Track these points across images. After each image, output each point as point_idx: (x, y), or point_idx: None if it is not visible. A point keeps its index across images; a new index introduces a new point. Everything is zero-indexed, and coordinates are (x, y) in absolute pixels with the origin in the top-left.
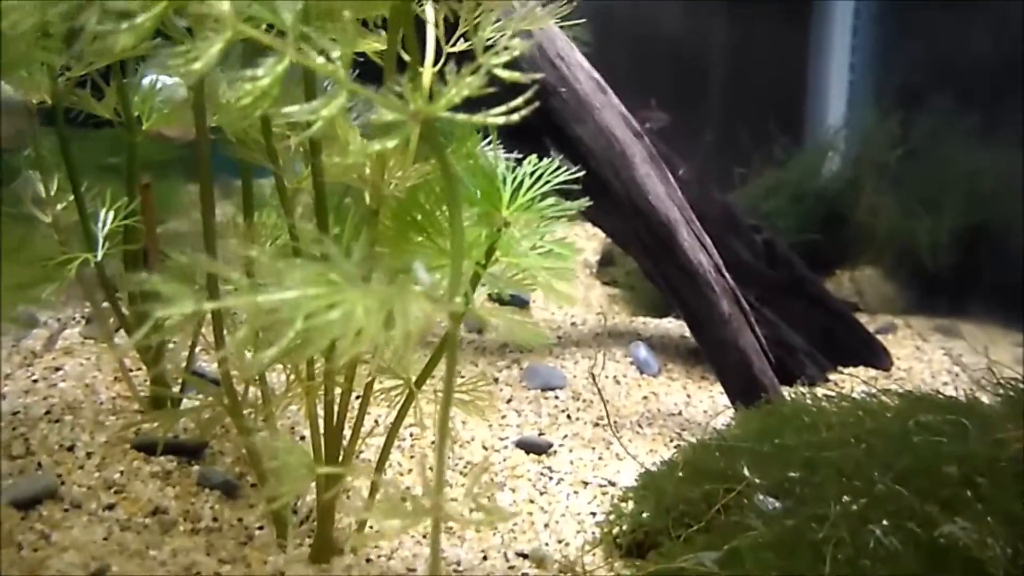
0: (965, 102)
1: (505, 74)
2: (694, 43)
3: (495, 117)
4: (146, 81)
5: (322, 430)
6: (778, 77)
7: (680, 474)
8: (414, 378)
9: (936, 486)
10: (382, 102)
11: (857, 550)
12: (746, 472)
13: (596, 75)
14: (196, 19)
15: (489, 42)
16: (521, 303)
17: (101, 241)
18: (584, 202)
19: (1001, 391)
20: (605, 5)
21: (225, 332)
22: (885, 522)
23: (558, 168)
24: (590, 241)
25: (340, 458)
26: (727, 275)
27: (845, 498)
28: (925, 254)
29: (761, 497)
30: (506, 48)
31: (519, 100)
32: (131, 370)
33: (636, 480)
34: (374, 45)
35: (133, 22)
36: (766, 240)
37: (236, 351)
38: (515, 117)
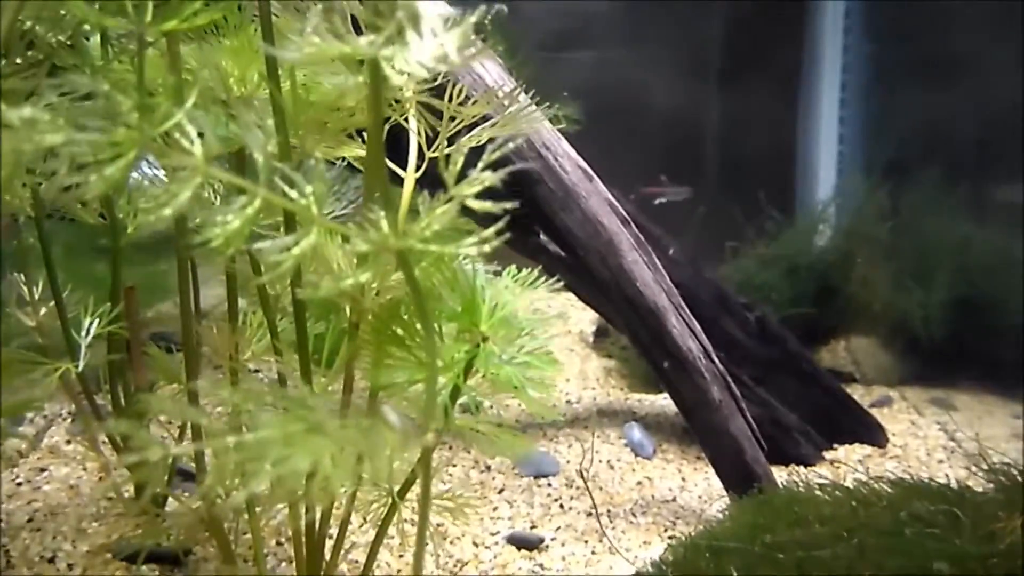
0: (952, 175)
1: (477, 205)
2: (684, 118)
3: (468, 247)
4: (133, 177)
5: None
6: (768, 151)
7: None
8: (397, 488)
9: None
10: (358, 235)
11: None
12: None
13: (582, 163)
14: (170, 170)
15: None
16: None
17: (83, 350)
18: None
19: (993, 477)
20: (594, 82)
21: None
22: None
23: (544, 272)
24: (586, 311)
25: (323, 567)
26: (717, 361)
27: None
28: (918, 327)
29: None
30: (479, 179)
31: (491, 231)
32: (115, 468)
33: None
34: (355, 151)
35: (102, 172)
36: (758, 318)
37: (211, 485)
38: (487, 248)
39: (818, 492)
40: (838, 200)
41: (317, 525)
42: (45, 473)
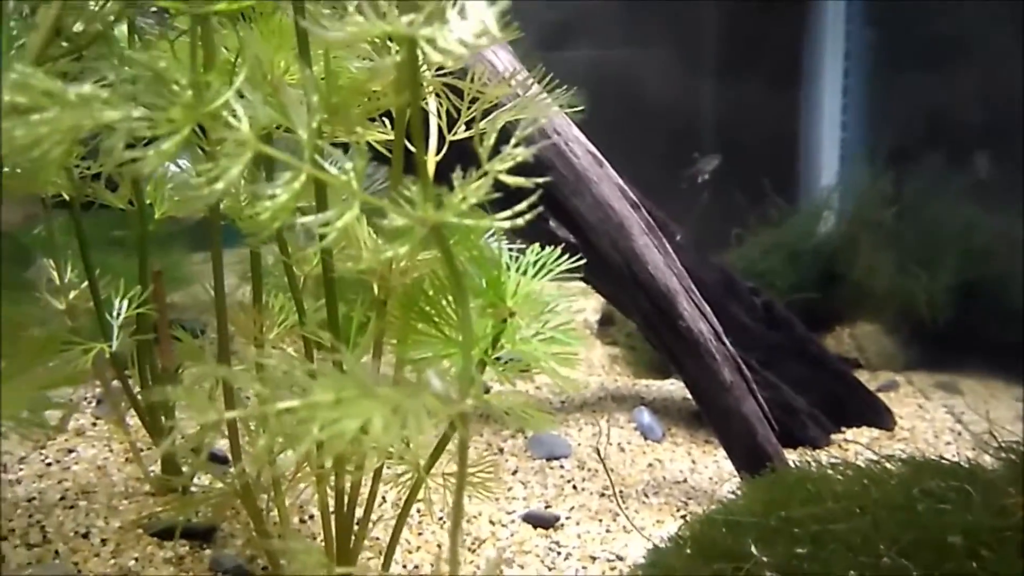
0: (955, 160)
1: (510, 180)
2: (690, 108)
3: (501, 220)
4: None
5: (332, 514)
6: (772, 139)
7: (688, 550)
8: (423, 462)
9: (942, 558)
10: (393, 210)
11: None
12: (753, 550)
13: (593, 149)
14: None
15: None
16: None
17: (116, 331)
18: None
19: (1003, 454)
20: (596, 74)
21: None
22: None
23: (560, 256)
24: (589, 300)
25: (351, 543)
26: (727, 343)
27: (852, 574)
28: (922, 311)
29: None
30: (511, 155)
31: (523, 205)
32: (142, 450)
33: (644, 557)
34: (380, 136)
35: (159, 147)
36: (765, 303)
37: (256, 459)
38: (520, 221)
39: (829, 471)
40: (841, 187)
41: (346, 500)
42: (73, 454)
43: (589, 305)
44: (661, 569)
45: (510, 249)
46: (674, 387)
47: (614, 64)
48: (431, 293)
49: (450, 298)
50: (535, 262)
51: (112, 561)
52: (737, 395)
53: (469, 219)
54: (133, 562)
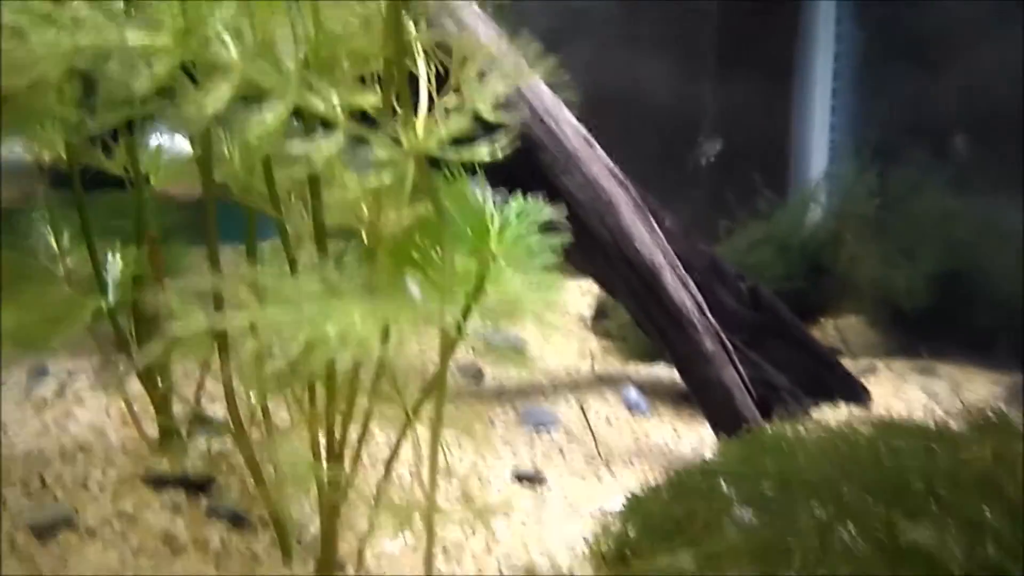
0: (939, 154)
1: (490, 114)
2: (681, 107)
3: (481, 153)
4: (153, 142)
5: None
6: (762, 139)
7: (665, 495)
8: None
9: (902, 498)
10: (379, 141)
11: (825, 553)
12: (724, 488)
13: (583, 130)
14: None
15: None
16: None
17: (111, 288)
18: (566, 240)
19: (970, 419)
20: (590, 72)
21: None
22: (852, 530)
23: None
24: (584, 297)
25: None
26: (709, 315)
27: (816, 510)
28: (903, 299)
29: (738, 512)
30: (492, 91)
31: (503, 140)
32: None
33: (624, 504)
34: (369, 99)
35: (151, 69)
36: (751, 287)
37: (243, 369)
38: (499, 154)
39: (802, 431)
40: (828, 182)
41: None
42: (71, 418)
43: (584, 302)
44: (638, 512)
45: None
46: (662, 370)
47: (607, 63)
48: (419, 240)
49: (438, 246)
50: (519, 211)
51: (110, 506)
52: (718, 364)
53: (451, 153)
54: (131, 507)
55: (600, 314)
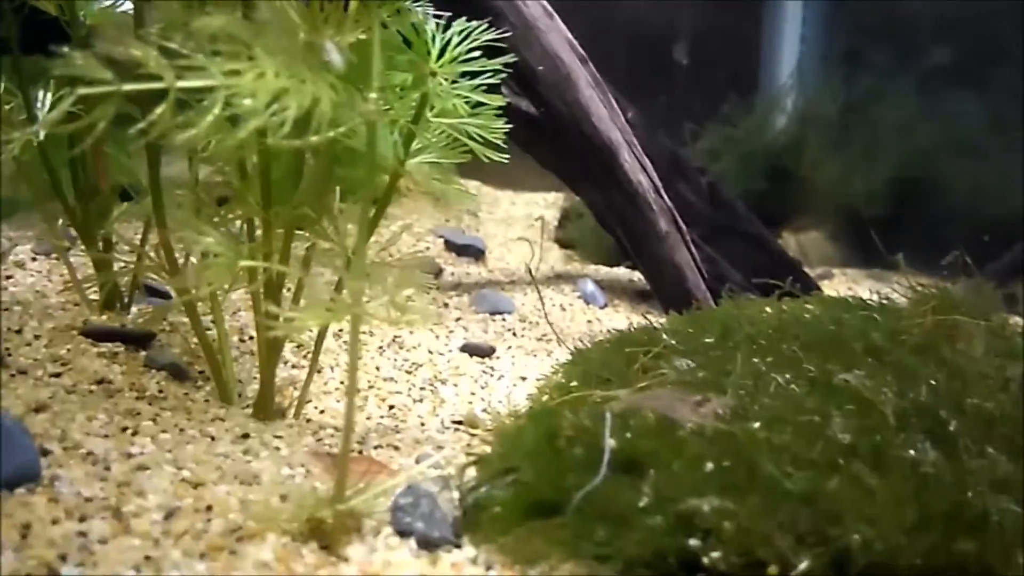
0: (905, 66)
1: None
2: (653, 17)
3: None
4: None
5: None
6: (733, 48)
7: (608, 348)
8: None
9: (840, 354)
10: None
11: (759, 391)
12: (665, 337)
13: (544, 1)
14: None
15: None
16: (477, 253)
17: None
18: (503, 62)
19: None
20: None
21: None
22: (788, 375)
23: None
24: (548, 210)
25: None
26: (665, 196)
27: (754, 359)
28: (862, 202)
29: (679, 361)
30: None
31: None
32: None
33: (568, 357)
34: None
35: None
36: (710, 183)
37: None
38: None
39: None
40: (795, 90)
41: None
42: (11, 279)
43: (548, 214)
44: (580, 363)
45: None
46: (622, 271)
47: None
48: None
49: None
50: (461, 31)
51: (44, 351)
52: (671, 244)
53: None
54: (65, 351)
55: (563, 222)
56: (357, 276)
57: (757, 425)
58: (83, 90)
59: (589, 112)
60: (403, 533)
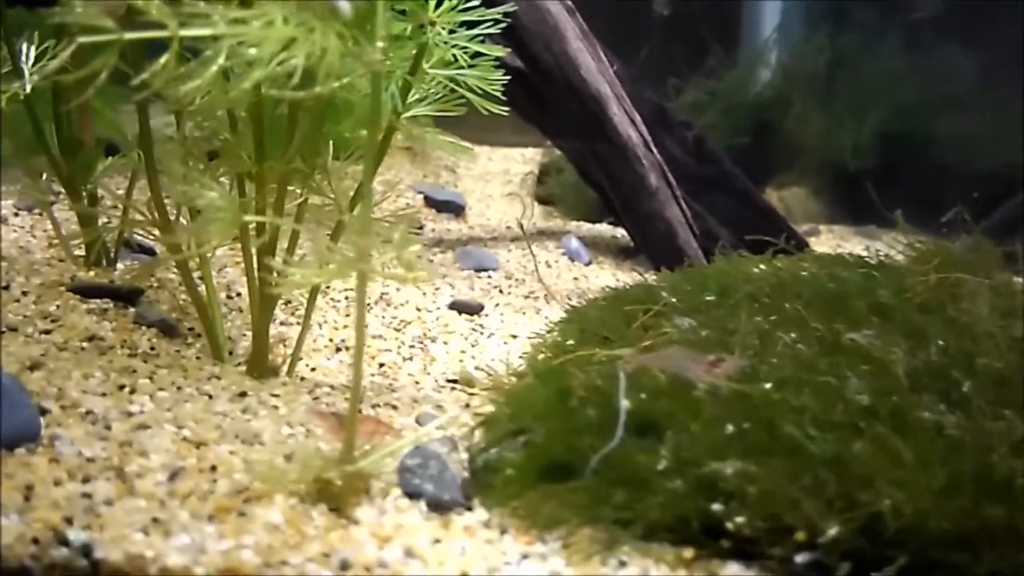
0: (890, 19)
1: None
2: None
3: None
4: None
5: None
6: (716, 9)
7: (605, 306)
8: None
9: (844, 313)
10: None
11: (766, 350)
12: (664, 295)
13: None
14: None
15: None
16: (457, 209)
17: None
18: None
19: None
20: None
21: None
22: (793, 334)
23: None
24: (526, 165)
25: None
26: (655, 150)
27: (757, 318)
28: (847, 155)
29: (679, 320)
30: None
31: None
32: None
33: (563, 315)
34: None
35: None
36: (696, 137)
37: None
38: None
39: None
40: (779, 47)
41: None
42: None
43: (526, 169)
44: (576, 321)
45: None
46: (605, 228)
47: None
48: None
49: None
50: None
51: (33, 307)
52: (661, 199)
53: None
54: (55, 308)
55: (543, 177)
56: (364, 232)
57: (769, 386)
58: (83, 38)
59: (578, 64)
60: (412, 495)
